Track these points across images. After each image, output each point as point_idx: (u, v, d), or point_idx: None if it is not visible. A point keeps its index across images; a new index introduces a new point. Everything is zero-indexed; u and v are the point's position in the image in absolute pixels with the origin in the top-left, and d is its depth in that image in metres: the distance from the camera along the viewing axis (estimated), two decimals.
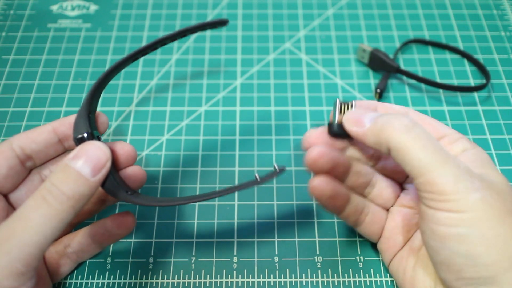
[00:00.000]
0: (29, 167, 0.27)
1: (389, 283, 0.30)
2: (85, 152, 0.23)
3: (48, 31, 0.44)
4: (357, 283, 0.30)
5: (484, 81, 0.40)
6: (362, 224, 0.29)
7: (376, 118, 0.24)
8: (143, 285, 0.30)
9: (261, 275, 0.30)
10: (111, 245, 0.31)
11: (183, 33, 0.27)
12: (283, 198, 0.33)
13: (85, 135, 0.25)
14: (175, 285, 0.30)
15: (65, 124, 0.27)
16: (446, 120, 0.38)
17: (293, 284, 0.30)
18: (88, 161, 0.23)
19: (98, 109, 0.38)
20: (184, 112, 0.38)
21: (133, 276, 0.30)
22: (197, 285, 0.30)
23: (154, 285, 0.30)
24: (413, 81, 0.40)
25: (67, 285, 0.30)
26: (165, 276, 0.30)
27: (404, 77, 0.41)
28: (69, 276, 0.30)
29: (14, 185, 0.27)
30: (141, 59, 0.42)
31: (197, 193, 0.34)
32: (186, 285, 0.30)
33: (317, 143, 0.27)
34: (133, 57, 0.27)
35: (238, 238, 0.32)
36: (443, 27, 0.45)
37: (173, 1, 0.47)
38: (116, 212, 0.33)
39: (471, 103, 0.39)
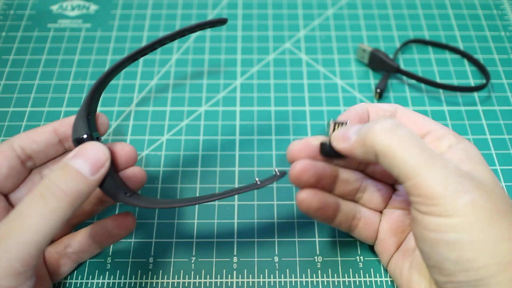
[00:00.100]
0: (30, 167, 0.27)
1: (389, 283, 0.30)
2: (85, 151, 0.23)
3: (48, 31, 0.44)
4: (357, 283, 0.30)
5: (484, 81, 0.40)
6: (356, 229, 0.29)
7: (360, 129, 0.24)
8: (143, 285, 0.30)
9: (261, 275, 0.30)
10: (111, 245, 0.31)
11: (182, 33, 0.27)
12: (283, 198, 0.33)
13: (85, 136, 0.25)
14: (175, 285, 0.30)
15: (66, 124, 0.27)
16: (446, 120, 0.38)
17: (293, 284, 0.30)
18: (87, 160, 0.23)
19: (98, 109, 0.38)
20: (184, 112, 0.38)
21: (133, 276, 0.30)
22: (197, 285, 0.30)
23: (154, 285, 0.30)
24: (413, 81, 0.40)
25: (67, 285, 0.30)
26: (165, 276, 0.30)
27: (404, 77, 0.41)
28: (69, 276, 0.30)
29: (15, 185, 0.27)
30: (141, 59, 0.42)
31: (197, 193, 0.34)
32: (186, 285, 0.30)
33: (301, 156, 0.26)
34: (132, 57, 0.27)
35: (238, 238, 0.32)
36: (443, 27, 0.45)
37: (173, 1, 0.47)
38: (117, 212, 0.33)
39: (471, 103, 0.39)
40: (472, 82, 0.41)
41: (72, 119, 0.27)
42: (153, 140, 0.37)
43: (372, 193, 0.28)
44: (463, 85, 0.40)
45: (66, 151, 0.28)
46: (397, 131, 0.22)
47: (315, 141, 0.27)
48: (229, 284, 0.30)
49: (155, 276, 0.30)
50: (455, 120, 0.38)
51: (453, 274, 0.21)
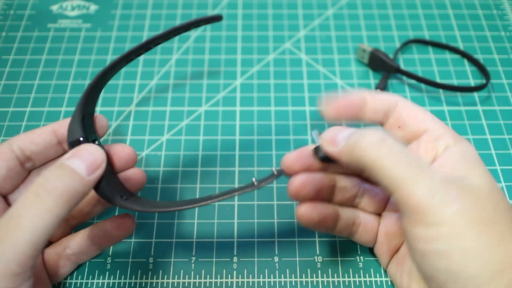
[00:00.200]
0: (29, 168, 0.27)
1: (389, 283, 0.30)
2: (81, 152, 0.23)
3: (48, 31, 0.44)
4: (357, 283, 0.30)
5: (484, 81, 0.40)
6: (356, 234, 0.29)
7: (348, 137, 0.24)
8: (143, 285, 0.30)
9: (261, 275, 0.30)
10: (111, 245, 0.31)
11: (176, 32, 0.26)
12: (283, 198, 0.33)
13: (80, 139, 0.25)
14: (175, 285, 0.30)
15: (65, 126, 0.27)
16: (446, 120, 0.38)
17: (293, 284, 0.30)
18: (84, 160, 0.23)
19: (98, 109, 0.39)
20: (184, 112, 0.38)
21: (133, 276, 0.30)
22: (197, 285, 0.30)
23: (154, 285, 0.30)
24: (413, 81, 0.40)
25: (67, 285, 0.30)
26: (165, 276, 0.30)
27: (404, 77, 0.41)
28: (69, 276, 0.30)
29: (14, 186, 0.27)
30: (141, 59, 0.42)
31: (197, 193, 0.34)
32: (186, 285, 0.30)
33: (296, 167, 0.26)
34: (126, 58, 0.26)
35: (238, 238, 0.32)
36: (443, 27, 0.45)
37: (173, 1, 0.47)
38: (116, 214, 0.33)
39: (471, 103, 0.39)
40: (472, 82, 0.41)
41: None
42: (153, 140, 0.37)
43: (370, 198, 0.28)
44: (463, 85, 0.40)
45: (65, 152, 0.28)
46: (384, 144, 0.22)
47: (307, 149, 0.27)
48: (229, 284, 0.30)
49: (155, 276, 0.30)
50: (455, 120, 0.38)
51: (445, 284, 0.21)
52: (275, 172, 0.25)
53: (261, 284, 0.30)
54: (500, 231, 0.21)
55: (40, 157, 0.27)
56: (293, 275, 0.30)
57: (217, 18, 0.26)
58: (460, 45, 0.43)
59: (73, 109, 0.38)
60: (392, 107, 0.26)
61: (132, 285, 0.30)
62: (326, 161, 0.26)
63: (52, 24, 0.45)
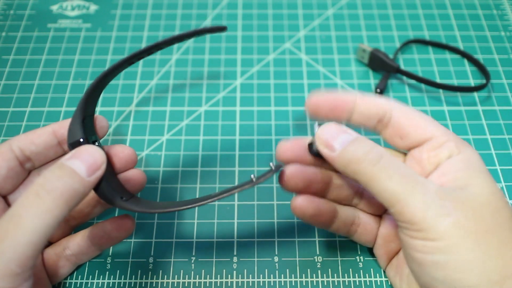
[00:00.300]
0: (29, 168, 0.27)
1: (389, 283, 0.30)
2: (82, 153, 0.23)
3: (48, 31, 0.44)
4: (357, 283, 0.30)
5: (484, 81, 0.40)
6: (355, 234, 0.28)
7: (345, 147, 0.23)
8: (143, 285, 0.30)
9: (261, 275, 0.30)
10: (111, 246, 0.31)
11: (180, 38, 0.26)
12: (283, 198, 0.33)
13: (81, 140, 0.25)
14: (175, 285, 0.30)
15: (65, 126, 0.27)
16: (446, 120, 0.38)
17: (293, 284, 0.30)
18: (84, 161, 0.23)
19: (98, 109, 0.39)
20: (184, 112, 0.38)
21: (133, 276, 0.30)
22: (197, 285, 0.30)
23: (154, 285, 0.30)
24: (413, 81, 0.40)
25: (67, 285, 0.30)
26: (165, 276, 0.30)
27: (404, 77, 0.41)
28: (69, 276, 0.30)
29: (14, 186, 0.27)
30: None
31: (197, 193, 0.34)
32: (186, 285, 0.30)
33: (287, 155, 0.26)
34: (129, 61, 0.26)
35: (238, 238, 0.32)
36: (443, 27, 0.45)
37: (173, 1, 0.47)
38: (116, 214, 0.33)
39: (471, 103, 0.39)
40: (472, 82, 0.41)
41: None
42: (153, 140, 0.37)
43: (369, 198, 0.28)
44: (463, 85, 0.40)
45: (65, 153, 0.28)
46: (380, 161, 0.22)
47: (304, 141, 0.26)
48: (229, 284, 0.30)
49: (155, 276, 0.30)
50: (455, 120, 0.38)
51: None
52: (273, 168, 0.25)
53: (261, 284, 0.30)
54: (499, 241, 0.21)
55: (40, 158, 0.27)
56: (293, 275, 0.30)
57: (221, 29, 0.27)
58: (460, 45, 0.43)
59: (73, 109, 0.38)
60: (387, 114, 0.26)
61: (132, 285, 0.30)
62: (319, 157, 0.26)
63: (52, 24, 0.45)
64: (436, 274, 0.21)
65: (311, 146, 0.26)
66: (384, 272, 0.30)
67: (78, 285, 0.30)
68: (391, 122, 0.25)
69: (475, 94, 0.40)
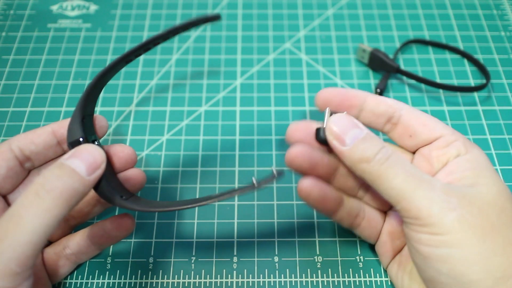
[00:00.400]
0: (28, 168, 0.27)
1: (389, 283, 0.30)
2: (81, 152, 0.23)
3: (48, 31, 0.44)
4: (357, 283, 0.30)
5: (484, 81, 0.40)
6: (358, 228, 0.28)
7: (356, 143, 0.24)
8: (143, 285, 0.30)
9: (261, 275, 0.30)
10: (111, 245, 0.31)
11: (175, 32, 0.26)
12: (283, 198, 0.33)
13: (80, 139, 0.25)
14: (175, 285, 0.30)
15: (65, 126, 0.27)
16: (446, 120, 0.38)
17: (293, 284, 0.30)
18: (83, 161, 0.23)
19: (98, 109, 0.38)
20: (184, 112, 0.38)
21: (133, 276, 0.30)
22: (197, 285, 0.30)
23: (154, 285, 0.30)
24: (413, 81, 0.40)
25: (67, 285, 0.30)
26: (165, 276, 0.30)
27: (404, 77, 0.41)
28: (69, 276, 0.30)
29: (13, 185, 0.27)
30: (141, 59, 0.42)
31: (197, 193, 0.34)
32: (186, 285, 0.30)
33: (296, 136, 0.26)
34: (126, 58, 0.26)
35: (238, 238, 0.32)
36: (443, 27, 0.45)
37: (173, 1, 0.47)
38: (116, 214, 0.33)
39: (471, 103, 0.39)
40: (472, 82, 0.41)
41: None
42: (153, 140, 0.37)
43: (375, 192, 0.28)
44: (463, 85, 0.40)
45: (65, 152, 0.28)
46: (388, 160, 0.23)
47: (314, 125, 0.27)
48: (229, 284, 0.30)
49: (155, 276, 0.30)
50: (455, 120, 0.38)
51: (447, 286, 0.22)
52: (276, 173, 0.25)
53: (261, 284, 0.30)
54: (504, 240, 0.21)
55: (40, 157, 0.27)
56: (293, 275, 0.30)
57: (215, 18, 0.26)
58: (460, 45, 0.43)
59: (73, 109, 0.38)
60: (396, 113, 0.26)
61: (132, 285, 0.30)
62: (325, 145, 0.26)
63: (52, 24, 0.45)
64: (441, 267, 0.21)
65: (318, 131, 0.26)
66: (385, 271, 0.30)
67: (78, 285, 0.30)
68: (401, 121, 0.26)
69: (475, 94, 0.40)
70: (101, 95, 0.39)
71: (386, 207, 0.29)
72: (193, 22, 0.26)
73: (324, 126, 0.26)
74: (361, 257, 0.31)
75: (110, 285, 0.30)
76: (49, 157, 0.28)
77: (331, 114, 0.26)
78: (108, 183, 0.26)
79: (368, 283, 0.30)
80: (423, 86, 0.40)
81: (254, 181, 0.24)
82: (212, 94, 0.40)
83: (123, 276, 0.30)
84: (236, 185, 0.34)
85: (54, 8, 0.47)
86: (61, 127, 0.27)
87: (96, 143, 0.27)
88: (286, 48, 0.43)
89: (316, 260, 0.31)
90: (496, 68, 0.42)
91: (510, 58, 0.42)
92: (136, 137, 0.37)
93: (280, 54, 0.43)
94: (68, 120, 0.27)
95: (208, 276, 0.30)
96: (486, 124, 0.38)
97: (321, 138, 0.26)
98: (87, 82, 0.40)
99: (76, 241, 0.28)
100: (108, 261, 0.31)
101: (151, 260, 0.31)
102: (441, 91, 0.40)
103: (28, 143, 0.26)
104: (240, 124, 0.38)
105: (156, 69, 0.42)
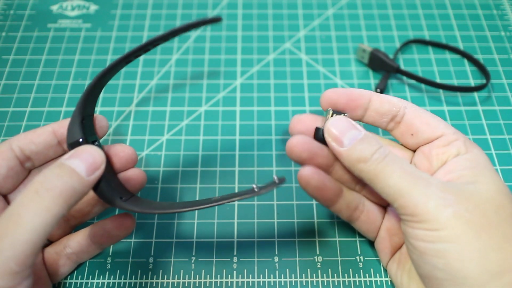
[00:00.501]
0: (29, 167, 0.27)
1: (389, 283, 0.30)
2: (81, 153, 0.23)
3: (48, 31, 0.44)
4: (357, 283, 0.30)
5: (484, 81, 0.40)
6: (357, 221, 0.29)
7: (354, 144, 0.24)
8: (143, 285, 0.30)
9: (261, 275, 0.30)
10: (111, 245, 0.31)
11: (175, 33, 0.26)
12: (283, 198, 0.33)
13: (80, 140, 0.25)
14: (175, 285, 0.30)
15: (65, 126, 0.27)
16: (446, 120, 0.38)
17: (293, 284, 0.30)
18: (83, 161, 0.23)
19: (98, 109, 0.39)
20: (184, 112, 0.38)
21: (133, 276, 0.30)
22: (197, 285, 0.30)
23: (154, 285, 0.30)
24: (413, 81, 0.40)
25: (67, 285, 0.30)
26: (165, 276, 0.30)
27: (404, 77, 0.41)
28: (69, 276, 0.30)
29: (14, 185, 0.27)
30: (141, 59, 0.42)
31: (197, 193, 0.34)
32: (186, 285, 0.30)
33: (298, 127, 0.27)
34: (126, 59, 0.26)
35: (238, 238, 0.32)
36: (443, 27, 0.45)
37: (173, 1, 0.47)
38: (116, 213, 0.33)
39: (471, 103, 0.39)
40: (472, 82, 0.41)
41: None
42: (153, 140, 0.37)
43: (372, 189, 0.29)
44: (463, 85, 0.40)
45: (65, 152, 0.28)
46: (384, 161, 0.23)
47: (317, 118, 0.27)
48: (229, 284, 0.30)
49: (155, 276, 0.30)
50: (455, 120, 0.38)
51: (443, 282, 0.22)
52: (277, 180, 0.25)
53: (261, 284, 0.30)
54: (501, 236, 0.21)
55: (40, 157, 0.27)
56: (293, 275, 0.30)
57: (216, 20, 0.26)
58: (460, 45, 0.43)
59: (73, 109, 0.38)
60: (400, 112, 0.26)
61: (132, 285, 0.30)
62: (324, 144, 0.27)
63: (52, 24, 0.45)
64: (437, 262, 0.22)
65: (317, 131, 0.27)
66: (385, 271, 0.30)
67: (78, 285, 0.30)
68: (404, 119, 0.26)
69: (475, 94, 0.40)
70: (101, 95, 0.39)
71: (385, 202, 0.29)
72: (193, 24, 0.26)
73: (324, 125, 0.26)
74: (361, 257, 0.31)
75: (110, 285, 0.30)
76: (50, 157, 0.28)
77: (333, 114, 0.26)
78: (108, 184, 0.26)
79: (368, 283, 0.30)
80: (423, 86, 0.40)
81: (255, 187, 0.24)
82: (212, 94, 0.40)
83: (123, 276, 0.30)
84: (236, 185, 0.34)
85: (54, 8, 0.47)
86: (62, 126, 0.27)
87: (96, 143, 0.27)
88: (286, 48, 0.43)
89: (316, 260, 0.31)
90: (496, 68, 0.42)
91: (510, 58, 0.42)
92: (136, 137, 0.37)
93: (280, 54, 0.43)
94: (68, 120, 0.27)
95: (208, 276, 0.30)
96: (486, 124, 0.38)
97: (319, 138, 0.27)
98: (87, 82, 0.40)
99: (77, 240, 0.28)
100: (108, 261, 0.31)
101: (151, 260, 0.31)
102: (441, 91, 0.40)
103: (29, 143, 0.26)
104: (240, 124, 0.38)
105: (156, 69, 0.42)
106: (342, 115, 0.27)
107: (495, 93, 0.40)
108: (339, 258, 0.31)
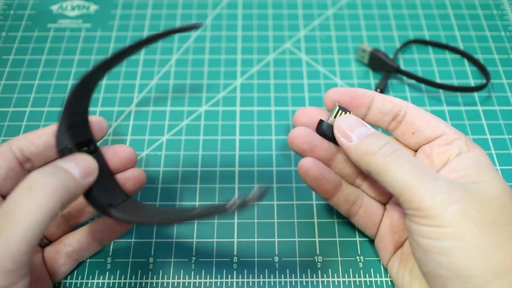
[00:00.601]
0: (28, 168, 0.27)
1: (389, 283, 0.30)
2: (76, 158, 0.24)
3: (48, 31, 0.44)
4: (357, 283, 0.30)
5: (484, 81, 0.40)
6: (356, 216, 0.29)
7: (362, 139, 0.25)
8: (143, 285, 0.30)
9: (261, 275, 0.30)
10: (111, 245, 0.31)
11: (148, 41, 0.24)
12: (283, 198, 0.33)
13: (69, 146, 0.26)
14: (175, 285, 0.30)
15: None
16: (446, 120, 0.38)
17: (293, 284, 0.30)
18: (78, 165, 0.24)
19: (98, 109, 0.38)
20: (184, 112, 0.38)
21: (133, 276, 0.30)
22: (197, 285, 0.30)
23: (154, 285, 0.30)
24: (413, 81, 0.40)
25: (67, 285, 0.30)
26: (165, 276, 0.30)
27: (404, 77, 0.41)
28: (69, 276, 0.30)
29: (13, 186, 0.27)
30: (141, 59, 0.42)
31: (197, 193, 0.34)
32: (186, 285, 0.30)
33: (301, 119, 0.28)
34: (104, 68, 0.25)
35: (238, 238, 0.32)
36: (443, 27, 0.45)
37: (173, 1, 0.47)
38: None
39: (471, 103, 0.39)
40: (472, 82, 0.41)
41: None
42: (153, 140, 0.37)
43: (372, 182, 0.29)
44: (463, 85, 0.40)
45: None
46: (392, 154, 0.24)
47: (321, 112, 0.28)
48: (229, 284, 0.30)
49: (155, 276, 0.30)
50: (455, 120, 0.38)
51: (446, 282, 0.22)
52: (256, 194, 0.22)
53: (261, 284, 0.30)
54: (505, 235, 0.22)
55: (40, 158, 0.27)
56: (293, 275, 0.30)
57: (194, 27, 0.25)
58: (460, 45, 0.43)
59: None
60: (402, 113, 0.27)
61: (132, 285, 0.30)
62: (325, 137, 0.27)
63: (52, 24, 0.45)
64: (442, 260, 0.22)
65: (321, 123, 0.27)
66: (385, 271, 0.30)
67: (78, 285, 0.30)
68: (405, 119, 0.27)
69: (475, 94, 0.40)
70: (101, 95, 0.39)
71: (384, 198, 0.29)
72: (168, 32, 0.24)
73: (328, 120, 0.27)
74: (361, 257, 0.31)
75: (110, 285, 0.30)
76: (49, 158, 0.28)
77: (339, 109, 0.27)
78: (99, 192, 0.26)
79: (368, 283, 0.30)
80: (423, 86, 0.40)
81: (230, 203, 0.22)
82: (212, 94, 0.40)
83: (123, 276, 0.30)
84: (236, 185, 0.34)
85: (54, 8, 0.47)
86: None
87: (91, 147, 0.27)
88: (286, 48, 0.43)
89: (316, 260, 0.31)
90: (496, 68, 0.42)
91: (510, 58, 0.42)
92: (136, 137, 0.37)
93: (280, 54, 0.43)
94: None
95: (208, 276, 0.30)
96: (486, 124, 0.38)
97: (321, 130, 0.27)
98: None
99: (77, 238, 0.28)
100: (108, 261, 0.31)
101: (151, 260, 0.31)
102: (441, 91, 0.40)
103: (28, 144, 0.26)
104: (240, 124, 0.38)
105: (156, 69, 0.42)
106: (348, 112, 0.27)
107: (495, 93, 0.40)
108: (339, 258, 0.31)
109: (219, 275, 0.30)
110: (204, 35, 0.44)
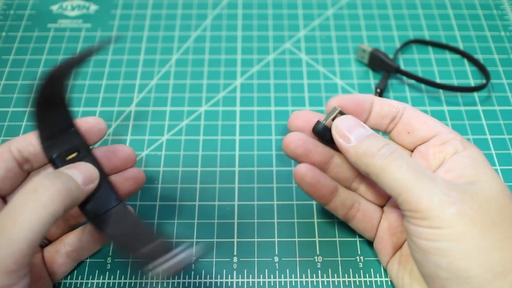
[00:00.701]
0: (27, 169, 0.27)
1: (389, 283, 0.30)
2: (79, 165, 0.25)
3: (48, 31, 0.44)
4: (357, 283, 0.30)
5: (484, 81, 0.40)
6: (353, 220, 0.29)
7: (360, 140, 0.25)
8: (143, 285, 0.30)
9: (261, 275, 0.30)
10: (111, 245, 0.31)
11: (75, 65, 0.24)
12: (283, 198, 0.33)
13: (54, 156, 0.25)
14: (175, 285, 0.30)
15: None
16: (446, 120, 0.38)
17: (293, 284, 0.30)
18: (81, 171, 0.24)
19: (98, 109, 0.38)
20: (184, 112, 0.38)
21: (133, 276, 0.30)
22: (197, 285, 0.30)
23: (154, 285, 0.30)
24: (413, 81, 0.40)
25: (67, 285, 0.30)
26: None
27: (404, 77, 0.41)
28: (69, 276, 0.30)
29: (12, 187, 0.27)
30: (141, 59, 0.42)
31: (197, 193, 0.34)
32: (186, 285, 0.30)
33: (296, 122, 0.28)
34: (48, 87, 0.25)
35: (238, 238, 0.32)
36: (443, 27, 0.45)
37: (173, 1, 0.47)
38: None
39: (471, 103, 0.39)
40: (472, 82, 0.41)
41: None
42: (153, 140, 0.37)
43: (369, 185, 0.29)
44: (463, 85, 0.40)
45: None
46: (391, 155, 0.23)
47: (315, 115, 0.28)
48: (229, 284, 0.30)
49: (155, 276, 0.30)
50: (455, 120, 0.38)
51: (445, 283, 0.22)
52: (183, 254, 0.24)
53: (261, 284, 0.30)
54: (505, 235, 0.21)
55: (38, 159, 0.27)
56: (293, 275, 0.30)
57: (108, 43, 0.25)
58: (460, 45, 0.43)
59: (73, 109, 0.38)
60: (399, 114, 0.27)
61: (132, 285, 0.30)
62: (321, 138, 0.27)
63: (52, 24, 0.45)
64: (440, 261, 0.21)
65: (317, 124, 0.27)
66: (385, 271, 0.30)
67: (78, 285, 0.30)
68: (402, 119, 0.27)
69: (475, 94, 0.40)
70: (101, 95, 0.39)
71: (382, 201, 0.29)
72: (87, 53, 0.24)
73: (324, 121, 0.27)
74: (361, 257, 0.31)
75: (110, 285, 0.30)
76: None
77: (339, 112, 0.27)
78: (91, 196, 0.25)
79: (368, 283, 0.30)
80: (423, 86, 0.40)
81: (149, 266, 0.23)
82: (212, 94, 0.40)
83: (123, 276, 0.30)
84: (236, 185, 0.34)
85: (54, 8, 0.47)
86: None
87: (82, 153, 0.26)
88: (286, 48, 0.43)
89: (316, 260, 0.31)
90: (496, 68, 0.42)
91: (510, 58, 0.42)
92: (136, 137, 0.37)
93: (280, 54, 0.43)
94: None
95: (208, 276, 0.30)
96: (486, 124, 0.38)
97: (317, 131, 0.27)
98: (87, 82, 0.40)
99: (77, 237, 0.28)
100: (108, 261, 0.31)
101: None
102: (441, 91, 0.40)
103: (27, 145, 0.26)
104: (240, 124, 0.38)
105: (156, 69, 0.42)
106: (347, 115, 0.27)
107: (495, 93, 0.40)
108: (339, 258, 0.31)
109: (219, 275, 0.30)
110: (204, 35, 0.44)
